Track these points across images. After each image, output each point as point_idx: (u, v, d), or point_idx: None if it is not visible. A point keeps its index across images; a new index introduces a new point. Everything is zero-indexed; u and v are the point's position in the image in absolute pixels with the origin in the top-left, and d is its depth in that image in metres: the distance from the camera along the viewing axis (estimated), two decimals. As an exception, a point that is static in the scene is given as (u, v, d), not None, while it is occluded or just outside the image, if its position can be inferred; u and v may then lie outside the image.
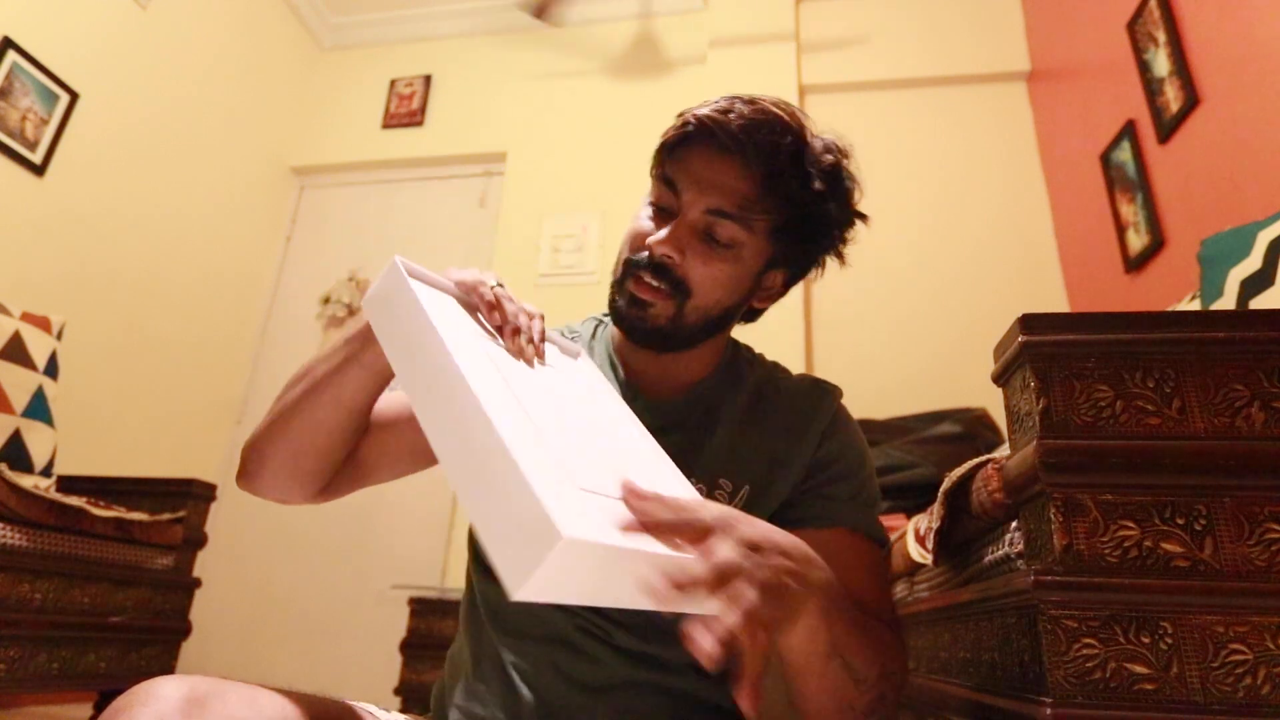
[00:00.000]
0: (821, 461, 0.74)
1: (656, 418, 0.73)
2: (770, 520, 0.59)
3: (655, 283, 0.70)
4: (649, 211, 0.74)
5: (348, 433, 0.71)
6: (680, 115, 0.73)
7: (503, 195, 3.03)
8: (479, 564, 0.77)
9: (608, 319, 0.85)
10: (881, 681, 0.59)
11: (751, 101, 0.70)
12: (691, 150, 0.71)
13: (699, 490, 0.70)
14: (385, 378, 0.68)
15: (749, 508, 0.70)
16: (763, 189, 0.70)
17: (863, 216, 0.75)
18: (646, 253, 0.71)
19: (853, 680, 0.57)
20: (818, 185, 0.70)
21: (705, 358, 0.79)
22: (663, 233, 0.70)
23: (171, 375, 2.68)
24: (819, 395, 0.78)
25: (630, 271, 0.72)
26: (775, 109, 0.71)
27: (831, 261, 0.78)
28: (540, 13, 2.94)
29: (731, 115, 0.69)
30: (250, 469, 0.72)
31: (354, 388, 0.67)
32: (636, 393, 0.77)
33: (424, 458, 0.79)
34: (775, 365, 0.84)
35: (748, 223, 0.70)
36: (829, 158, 0.71)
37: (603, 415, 0.63)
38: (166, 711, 0.49)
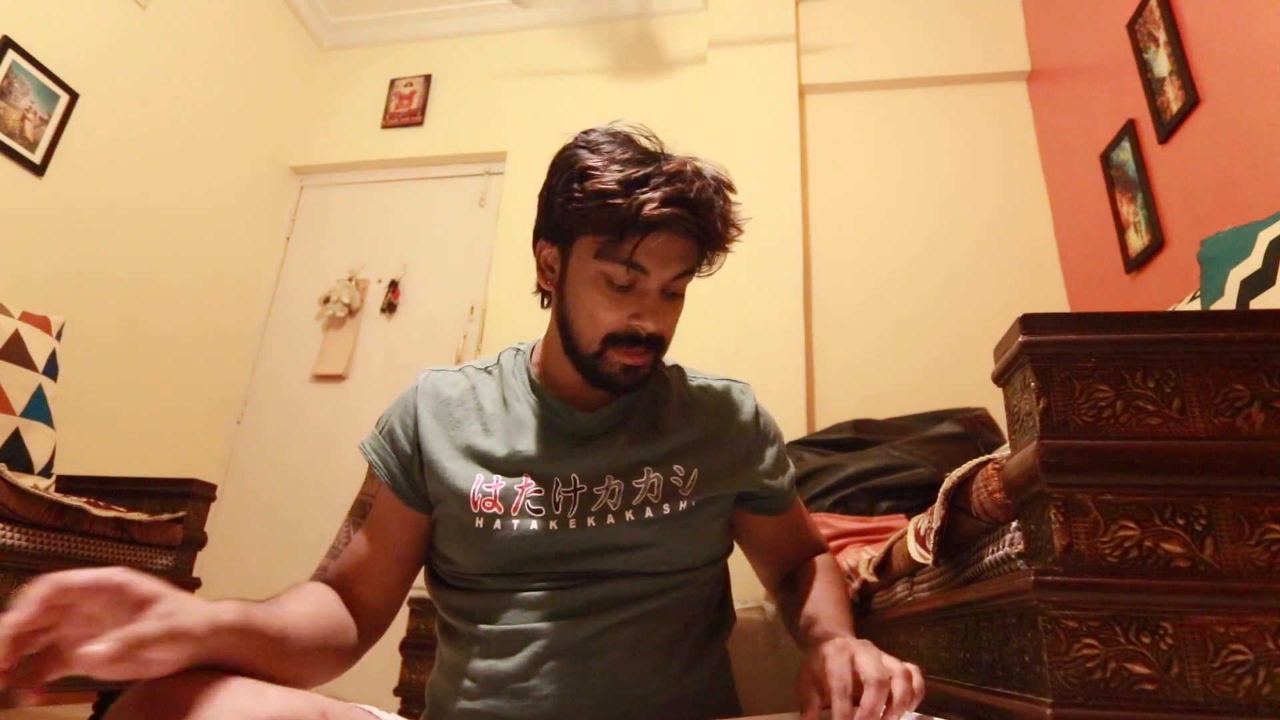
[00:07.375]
0: (759, 442, 0.91)
1: (600, 424, 0.86)
2: (734, 508, 0.89)
3: (645, 350, 0.80)
4: (607, 290, 0.79)
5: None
6: (622, 204, 0.75)
7: (503, 195, 3.03)
8: (437, 582, 0.86)
9: (524, 348, 0.94)
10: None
11: (698, 176, 0.77)
12: (657, 237, 0.76)
13: (654, 479, 0.82)
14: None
15: (701, 487, 0.83)
16: (706, 245, 0.81)
17: (740, 228, 0.83)
18: (626, 330, 0.79)
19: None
20: (734, 225, 0.82)
21: None
22: (647, 313, 0.79)
23: (171, 375, 2.67)
24: (739, 389, 0.95)
25: (612, 346, 0.79)
26: (711, 183, 0.78)
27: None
28: None
29: (685, 207, 0.75)
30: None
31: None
32: (573, 410, 0.86)
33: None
34: (677, 365, 0.97)
35: (695, 272, 0.83)
36: (733, 196, 0.81)
37: None
38: (177, 702, 0.49)
